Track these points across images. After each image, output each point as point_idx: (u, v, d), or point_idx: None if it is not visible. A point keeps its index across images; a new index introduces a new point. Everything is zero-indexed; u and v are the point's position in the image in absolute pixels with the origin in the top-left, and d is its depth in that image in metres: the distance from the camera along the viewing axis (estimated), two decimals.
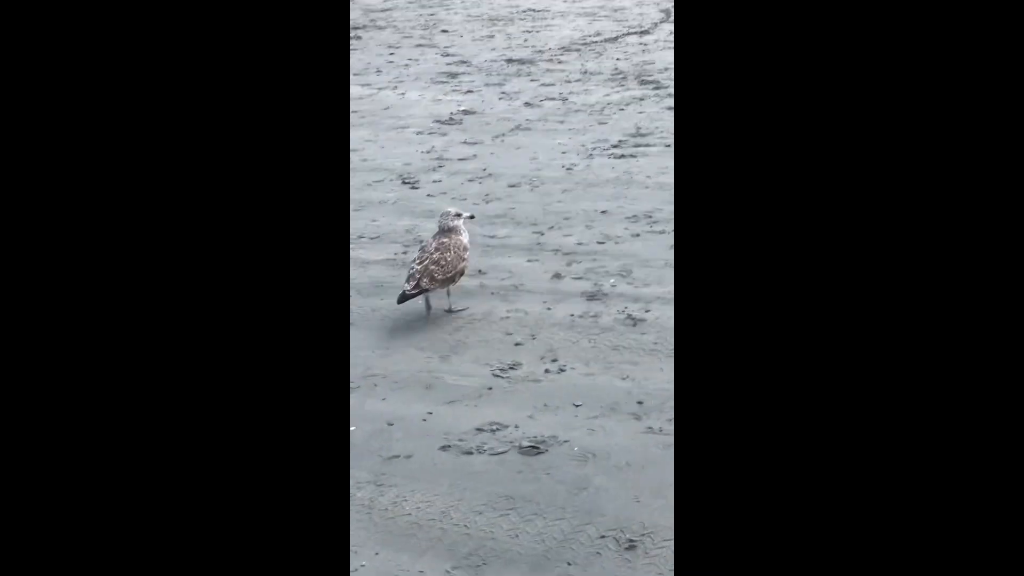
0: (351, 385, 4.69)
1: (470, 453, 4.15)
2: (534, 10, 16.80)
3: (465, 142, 9.09)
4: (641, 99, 10.48)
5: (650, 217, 6.90)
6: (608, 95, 10.72)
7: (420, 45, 14.10)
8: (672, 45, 13.40)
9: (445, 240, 5.51)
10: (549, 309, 5.52)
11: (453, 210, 5.75)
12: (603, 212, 7.06)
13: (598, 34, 14.53)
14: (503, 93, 11.00)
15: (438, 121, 9.87)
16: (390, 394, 4.67)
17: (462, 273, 5.55)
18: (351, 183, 7.49)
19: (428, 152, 8.81)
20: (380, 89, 11.36)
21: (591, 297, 5.65)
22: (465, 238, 5.62)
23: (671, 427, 4.26)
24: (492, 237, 6.68)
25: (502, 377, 4.78)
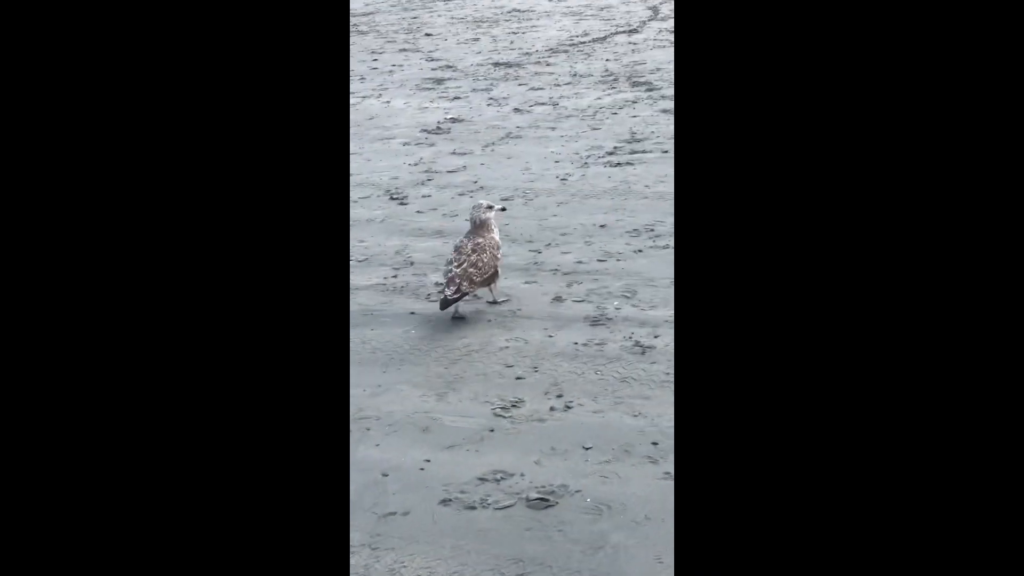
0: None
1: (473, 508, 3.80)
2: (519, 10, 16.45)
3: (454, 152, 8.74)
4: (634, 102, 10.15)
5: (652, 230, 6.57)
6: (600, 98, 10.39)
7: (404, 50, 13.75)
8: (662, 44, 13.06)
9: (480, 240, 5.46)
10: (551, 337, 5.18)
11: (485, 202, 5.70)
12: (602, 226, 6.72)
13: (586, 34, 14.19)
14: (491, 99, 10.66)
15: (425, 131, 9.52)
16: (384, 439, 4.32)
17: (498, 274, 5.53)
18: None
19: (416, 164, 8.46)
20: (364, 98, 11.00)
21: (595, 322, 5.31)
22: (497, 234, 5.60)
23: None
24: None
25: (504, 417, 4.43)
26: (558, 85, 11.09)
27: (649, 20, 15.03)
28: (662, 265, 5.97)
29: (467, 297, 5.42)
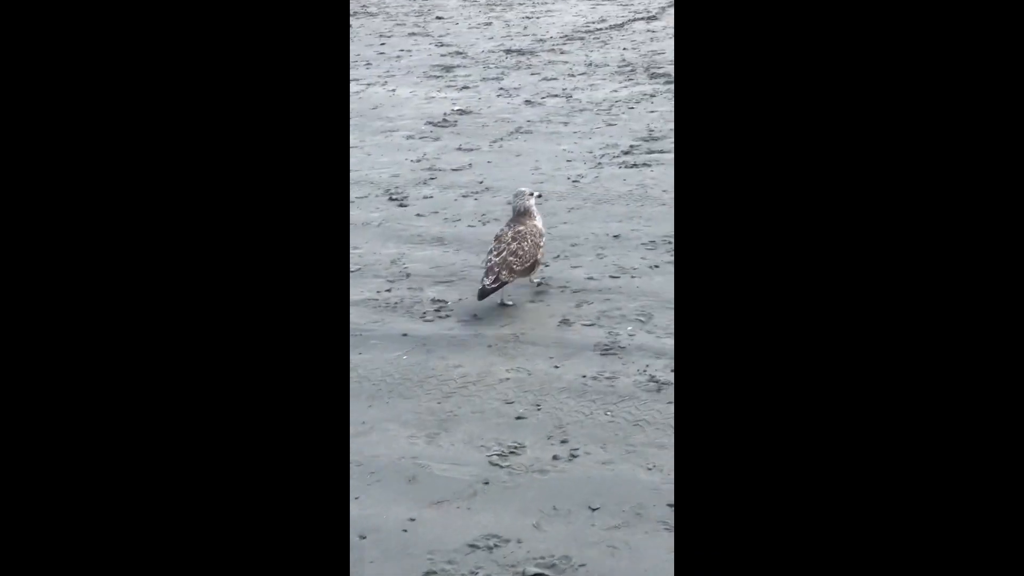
0: None
1: None
2: None
3: (460, 148, 8.23)
4: (652, 96, 9.61)
5: (669, 243, 6.04)
6: (616, 91, 9.85)
7: (413, 34, 13.21)
8: None
9: (521, 228, 5.33)
10: (557, 368, 4.67)
11: (527, 189, 5.60)
12: (616, 237, 6.20)
13: (602, 20, 13.64)
14: (501, 89, 10.13)
15: (430, 123, 9.00)
16: (365, 490, 3.82)
17: (540, 262, 5.41)
18: None
19: (419, 161, 7.94)
20: (369, 85, 10.48)
21: (606, 351, 4.80)
22: (539, 221, 5.48)
23: None
24: None
25: (501, 466, 3.93)
26: (572, 75, 10.56)
27: (668, 6, 14.44)
28: None
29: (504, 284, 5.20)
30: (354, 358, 4.80)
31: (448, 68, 11.13)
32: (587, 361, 4.71)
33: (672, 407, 4.26)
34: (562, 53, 11.70)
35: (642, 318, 5.11)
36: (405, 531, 3.58)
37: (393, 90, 10.29)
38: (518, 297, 5.41)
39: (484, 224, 6.51)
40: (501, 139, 8.46)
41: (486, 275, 5.17)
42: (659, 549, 3.41)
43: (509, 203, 5.76)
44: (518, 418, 4.27)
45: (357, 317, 5.24)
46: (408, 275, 5.78)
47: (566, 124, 8.81)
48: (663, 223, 6.36)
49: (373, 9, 15.24)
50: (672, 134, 8.29)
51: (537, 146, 8.22)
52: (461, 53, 11.91)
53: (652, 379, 4.51)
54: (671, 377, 4.51)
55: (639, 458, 3.93)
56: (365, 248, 6.19)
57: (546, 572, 3.33)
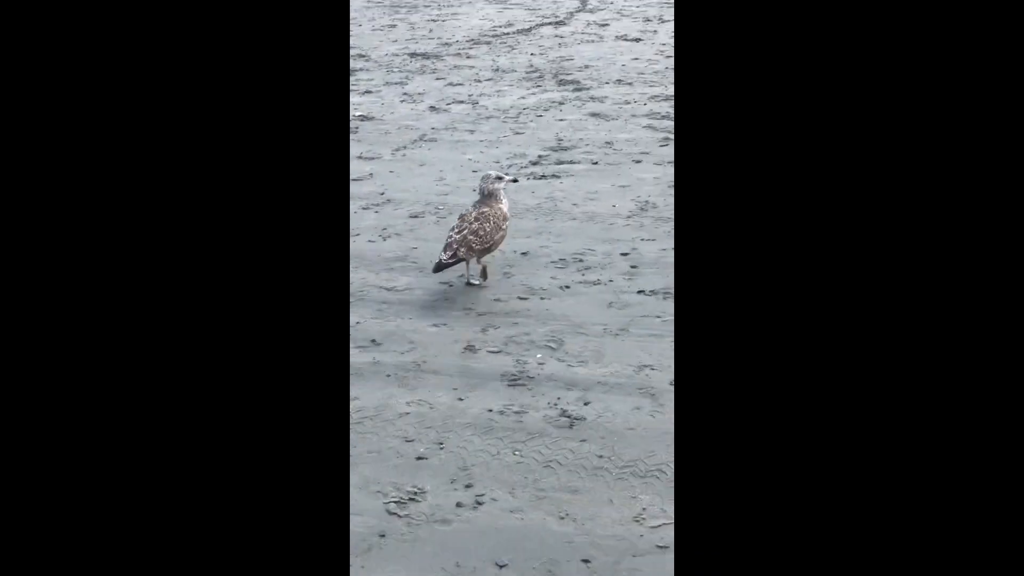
0: None
1: None
2: None
3: (361, 156, 7.83)
4: (560, 103, 9.31)
5: (581, 261, 5.74)
6: (523, 97, 9.54)
7: None
8: (591, 38, 12.26)
9: (485, 209, 5.41)
10: (461, 400, 4.31)
11: (495, 173, 5.65)
12: (524, 254, 5.87)
13: (510, 24, 13.33)
14: (405, 94, 9.76)
15: None
16: None
17: (498, 245, 5.45)
18: None
19: None
20: None
21: (513, 381, 4.46)
22: (505, 206, 5.54)
23: None
24: (390, 290, 5.44)
25: (399, 515, 3.56)
26: (479, 81, 10.22)
27: (577, 12, 14.20)
28: (592, 307, 5.14)
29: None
30: None
31: (351, 71, 10.71)
32: (494, 393, 4.36)
33: (586, 446, 3.94)
34: (468, 58, 11.37)
35: (552, 344, 4.78)
36: None
37: None
38: (416, 323, 5.04)
39: (384, 240, 6.13)
40: (404, 147, 8.09)
41: (444, 250, 5.25)
42: None
43: (474, 189, 5.91)
44: (419, 458, 3.90)
45: None
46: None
47: (472, 132, 8.47)
48: (573, 239, 6.06)
49: None
50: (581, 144, 8.01)
51: (442, 155, 7.86)
52: (364, 56, 11.51)
53: (564, 413, 4.17)
54: (584, 411, 4.18)
55: (550, 505, 3.60)
56: None
57: None
